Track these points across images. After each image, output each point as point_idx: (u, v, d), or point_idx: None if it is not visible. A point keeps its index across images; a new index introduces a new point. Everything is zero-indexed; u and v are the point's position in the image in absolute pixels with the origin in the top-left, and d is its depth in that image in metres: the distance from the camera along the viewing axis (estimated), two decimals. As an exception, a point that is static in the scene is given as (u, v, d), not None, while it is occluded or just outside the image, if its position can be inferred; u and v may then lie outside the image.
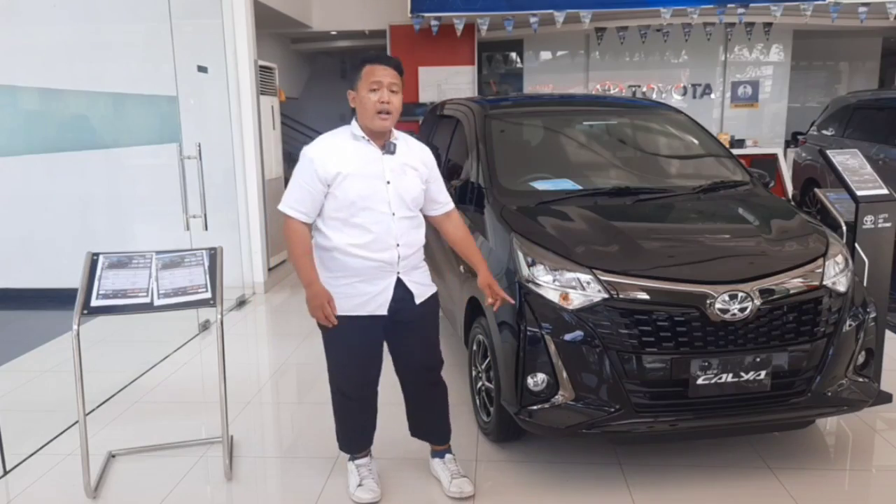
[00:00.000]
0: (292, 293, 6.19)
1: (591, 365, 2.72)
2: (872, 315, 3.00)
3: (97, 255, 2.94)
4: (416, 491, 2.90)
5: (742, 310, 2.68)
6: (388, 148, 2.58)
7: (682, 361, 2.68)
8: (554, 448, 3.16)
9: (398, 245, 2.58)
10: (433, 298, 2.77)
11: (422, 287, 2.71)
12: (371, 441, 2.93)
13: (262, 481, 3.04)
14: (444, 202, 2.79)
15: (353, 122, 2.60)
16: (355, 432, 2.87)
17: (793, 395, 2.80)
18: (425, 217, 2.77)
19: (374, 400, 2.84)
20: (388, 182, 2.55)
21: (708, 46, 10.13)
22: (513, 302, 2.81)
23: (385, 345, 2.75)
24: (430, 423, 2.94)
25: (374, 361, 2.72)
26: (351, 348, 2.66)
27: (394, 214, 2.56)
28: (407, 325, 2.69)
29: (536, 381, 2.76)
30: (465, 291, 3.46)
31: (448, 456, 2.94)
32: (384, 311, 2.62)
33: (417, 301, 2.68)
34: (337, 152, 2.54)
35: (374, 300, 2.60)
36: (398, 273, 2.62)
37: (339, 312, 2.57)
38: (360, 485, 2.82)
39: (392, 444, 3.15)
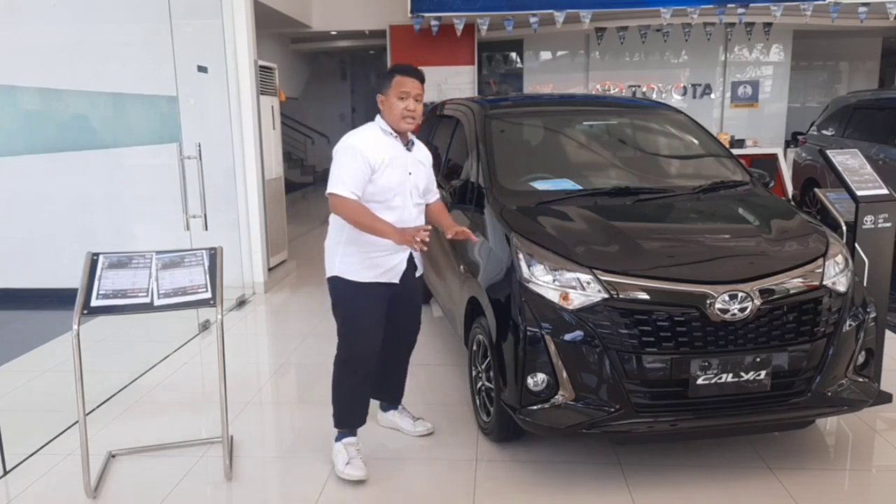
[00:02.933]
0: (292, 293, 6.19)
1: (591, 365, 2.72)
2: (872, 315, 3.00)
3: (97, 255, 2.94)
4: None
5: (742, 310, 2.68)
6: (408, 145, 3.02)
7: (682, 361, 2.68)
8: (554, 448, 3.16)
9: (413, 222, 2.99)
10: (421, 279, 3.26)
11: (420, 262, 3.17)
12: (365, 419, 3.12)
13: (262, 481, 3.04)
14: (435, 192, 3.22)
15: (379, 119, 2.99)
16: (355, 407, 3.09)
17: (793, 395, 2.80)
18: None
19: (372, 373, 3.09)
20: (410, 174, 2.98)
21: (708, 46, 10.14)
22: (475, 239, 3.22)
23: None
24: (397, 384, 3.39)
25: (381, 329, 3.02)
26: (369, 313, 2.98)
27: (412, 202, 3.00)
28: (406, 293, 3.10)
29: (536, 381, 2.76)
30: (465, 291, 3.47)
31: (399, 406, 3.41)
32: (397, 280, 3.02)
33: (417, 274, 3.15)
34: (376, 144, 2.90)
35: (391, 271, 3.00)
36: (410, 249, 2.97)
37: (362, 280, 2.95)
38: (348, 463, 2.97)
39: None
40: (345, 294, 2.96)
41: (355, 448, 3.04)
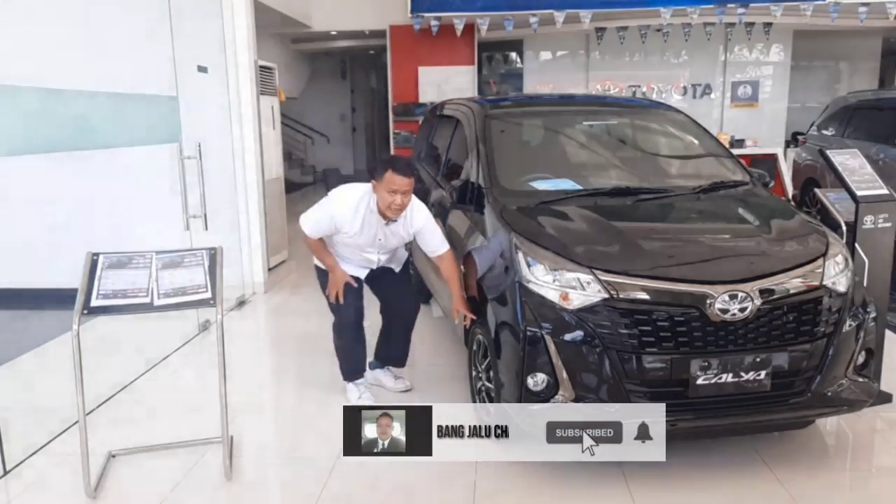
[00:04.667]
0: (292, 293, 6.18)
1: (591, 365, 2.72)
2: (872, 315, 3.00)
3: (97, 255, 2.94)
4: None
5: (742, 310, 2.68)
6: (388, 222, 3.41)
7: (682, 361, 2.68)
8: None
9: (379, 261, 3.61)
10: (406, 264, 3.86)
11: (397, 264, 3.76)
12: (364, 368, 3.79)
13: (262, 481, 3.05)
14: (434, 248, 3.48)
15: (374, 195, 3.35)
16: (350, 362, 3.72)
17: (793, 395, 2.81)
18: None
19: (362, 336, 3.72)
20: (380, 239, 3.46)
21: (708, 46, 10.13)
22: (473, 317, 3.35)
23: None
24: (396, 350, 3.85)
25: (356, 302, 3.63)
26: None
27: (378, 254, 3.56)
28: (385, 277, 3.70)
29: (536, 381, 2.76)
30: (465, 292, 3.46)
31: (388, 368, 3.91)
32: (363, 275, 3.65)
33: (396, 271, 3.76)
34: (353, 216, 3.36)
35: (356, 272, 3.62)
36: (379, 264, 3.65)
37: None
38: (360, 397, 3.65)
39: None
40: (322, 279, 3.66)
41: (364, 385, 3.73)
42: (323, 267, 3.61)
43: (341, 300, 3.50)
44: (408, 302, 3.82)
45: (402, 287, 3.83)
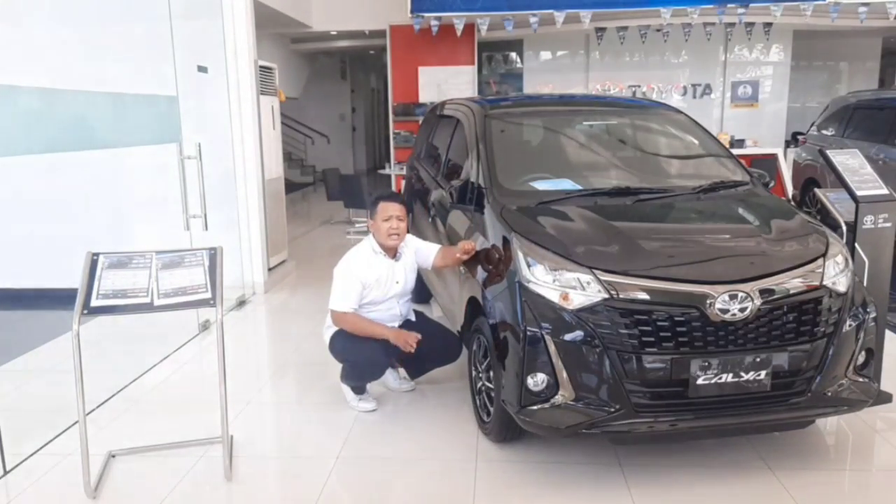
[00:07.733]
0: (292, 293, 6.19)
1: (591, 365, 2.72)
2: (872, 315, 3.00)
3: (97, 255, 2.94)
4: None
5: (742, 310, 2.68)
6: (397, 258, 3.57)
7: (682, 361, 2.68)
8: (554, 448, 3.16)
9: (401, 315, 3.66)
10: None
11: (411, 312, 3.77)
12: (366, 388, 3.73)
13: (262, 481, 3.04)
14: (431, 253, 3.65)
15: (371, 239, 3.55)
16: (357, 382, 3.67)
17: (793, 395, 2.80)
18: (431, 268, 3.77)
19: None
20: (398, 282, 3.55)
21: (708, 46, 10.14)
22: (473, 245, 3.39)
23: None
24: (420, 368, 3.76)
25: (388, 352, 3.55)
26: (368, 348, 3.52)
27: (399, 301, 3.60)
28: (418, 326, 3.63)
29: (536, 381, 2.76)
30: (465, 291, 3.47)
31: (395, 368, 3.86)
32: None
33: (414, 319, 3.77)
34: (367, 265, 3.49)
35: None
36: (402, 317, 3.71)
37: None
38: (360, 400, 3.62)
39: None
40: (336, 348, 3.58)
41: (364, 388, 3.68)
42: (334, 332, 3.56)
43: (414, 344, 3.44)
44: (452, 338, 3.71)
45: (436, 326, 3.77)
